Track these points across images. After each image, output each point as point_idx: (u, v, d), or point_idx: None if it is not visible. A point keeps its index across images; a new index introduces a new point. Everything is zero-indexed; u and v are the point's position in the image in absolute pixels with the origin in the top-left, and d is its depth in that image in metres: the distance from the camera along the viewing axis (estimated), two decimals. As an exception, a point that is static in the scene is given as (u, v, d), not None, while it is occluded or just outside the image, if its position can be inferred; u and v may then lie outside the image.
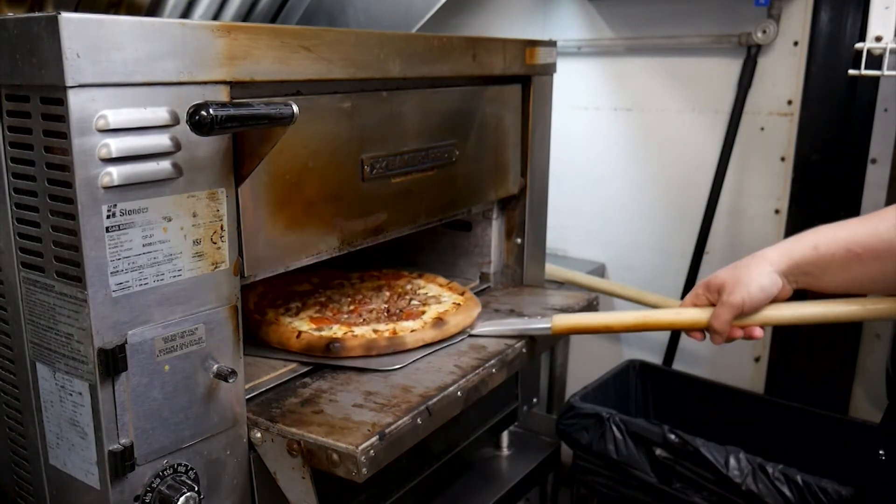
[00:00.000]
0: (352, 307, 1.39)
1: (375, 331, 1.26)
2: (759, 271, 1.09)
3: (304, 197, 1.08)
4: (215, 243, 0.94)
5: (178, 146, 0.88)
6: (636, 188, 2.28)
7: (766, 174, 2.05)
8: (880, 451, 1.15)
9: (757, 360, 2.13)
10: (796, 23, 1.93)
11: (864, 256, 1.03)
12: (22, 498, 1.03)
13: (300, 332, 1.23)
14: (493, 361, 1.21)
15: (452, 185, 1.38)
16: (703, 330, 1.18)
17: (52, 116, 0.80)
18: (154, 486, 0.92)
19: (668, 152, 2.21)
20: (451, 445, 1.40)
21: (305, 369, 1.19)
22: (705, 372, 2.13)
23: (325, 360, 1.20)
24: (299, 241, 1.09)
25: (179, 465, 0.95)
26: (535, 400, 1.65)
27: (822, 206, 1.93)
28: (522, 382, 1.58)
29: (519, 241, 1.61)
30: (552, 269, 2.08)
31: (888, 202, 1.84)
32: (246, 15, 1.95)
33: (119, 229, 0.84)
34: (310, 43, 1.02)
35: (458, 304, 1.39)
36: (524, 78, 1.52)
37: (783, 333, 2.05)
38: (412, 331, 1.26)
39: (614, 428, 1.65)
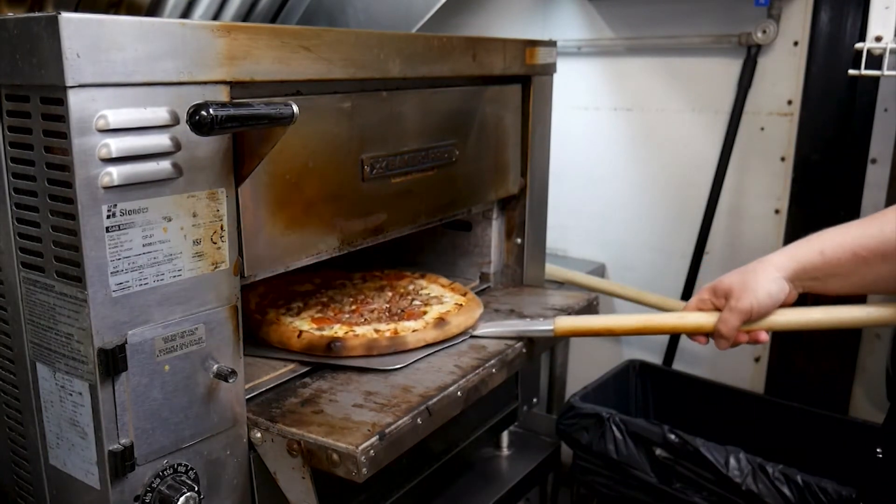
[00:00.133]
0: (353, 307, 1.39)
1: (377, 330, 1.26)
2: (767, 277, 1.09)
3: (304, 197, 1.08)
4: (215, 243, 0.94)
5: (178, 146, 0.88)
6: (636, 188, 2.28)
7: (766, 174, 2.05)
8: (878, 450, 1.16)
9: (757, 360, 2.13)
10: (796, 23, 1.93)
11: (870, 259, 1.03)
12: (22, 498, 1.03)
13: (301, 332, 1.23)
14: (493, 361, 1.21)
15: (452, 185, 1.38)
16: (707, 335, 1.18)
17: (52, 116, 0.80)
18: (154, 486, 0.92)
19: (668, 152, 2.21)
20: (451, 445, 1.40)
21: (305, 369, 1.19)
22: (705, 372, 2.13)
23: (325, 359, 1.20)
24: (299, 241, 1.09)
25: (179, 465, 0.95)
26: (535, 400, 1.65)
27: (822, 206, 1.93)
28: (522, 382, 1.58)
29: (519, 241, 1.61)
30: (552, 269, 2.08)
31: (888, 202, 1.84)
32: (246, 15, 1.95)
33: (119, 229, 0.84)
34: (310, 43, 1.02)
35: (460, 305, 1.39)
36: (524, 78, 1.52)
37: (783, 334, 2.05)
38: (413, 331, 1.26)
39: (614, 428, 1.65)
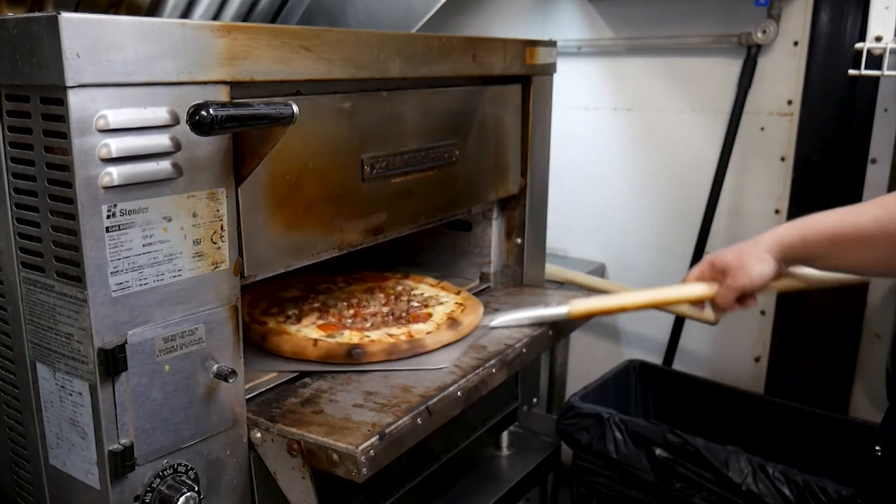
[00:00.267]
0: (351, 311, 1.38)
1: (390, 335, 1.26)
2: (759, 258, 1.21)
3: (304, 197, 1.08)
4: (215, 243, 0.94)
5: (178, 146, 0.88)
6: (636, 188, 2.28)
7: (766, 174, 2.05)
8: (876, 447, 1.17)
9: (757, 360, 2.13)
10: (796, 23, 1.93)
11: (846, 246, 1.13)
12: (22, 498, 1.03)
13: (316, 341, 1.21)
14: (493, 361, 1.21)
15: (452, 185, 1.38)
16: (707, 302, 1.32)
17: (52, 116, 0.80)
18: (154, 486, 0.92)
19: (668, 152, 2.21)
20: (451, 445, 1.40)
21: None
22: (705, 372, 2.13)
23: (346, 366, 1.18)
24: (299, 241, 1.09)
25: (179, 465, 0.95)
26: (535, 400, 1.65)
27: (822, 206, 1.89)
28: (522, 382, 1.58)
29: (519, 241, 1.61)
30: (552, 269, 2.08)
31: (888, 202, 1.84)
32: (246, 15, 1.95)
33: (119, 229, 0.84)
34: (310, 43, 1.02)
35: (460, 304, 1.39)
36: (524, 78, 1.52)
37: (783, 333, 2.05)
38: (428, 333, 1.26)
39: (614, 428, 1.65)
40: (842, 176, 1.91)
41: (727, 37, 2.00)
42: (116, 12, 1.73)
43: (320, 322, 1.33)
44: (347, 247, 1.18)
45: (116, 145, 0.82)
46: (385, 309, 1.39)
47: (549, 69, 1.57)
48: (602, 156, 2.32)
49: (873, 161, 1.88)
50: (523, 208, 1.59)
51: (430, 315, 1.36)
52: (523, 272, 1.62)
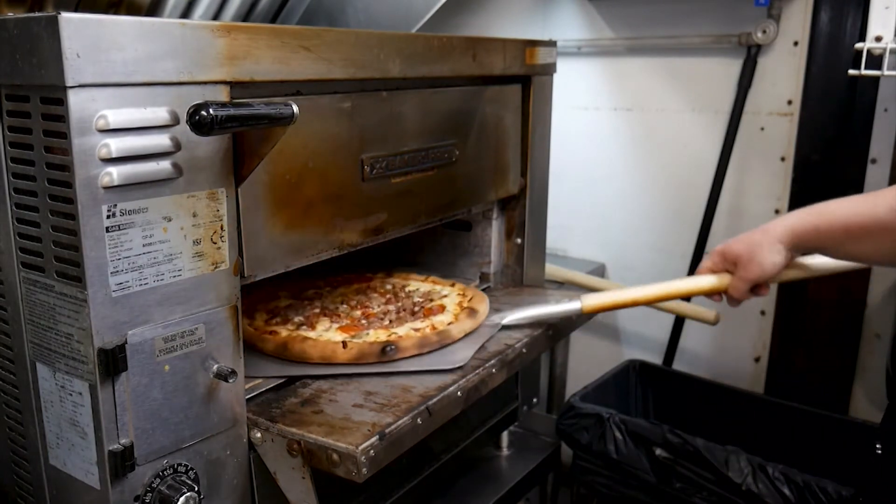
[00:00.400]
0: (359, 311, 1.38)
1: (416, 329, 1.26)
2: (771, 248, 1.20)
3: (304, 197, 1.08)
4: (215, 243, 0.94)
5: (178, 146, 0.88)
6: (636, 188, 2.28)
7: (766, 174, 2.05)
8: (877, 446, 1.17)
9: (757, 360, 2.13)
10: (796, 23, 1.93)
11: (859, 235, 1.11)
12: (22, 498, 1.03)
13: (345, 343, 1.19)
14: (493, 361, 1.21)
15: (452, 185, 1.38)
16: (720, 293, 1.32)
17: (52, 116, 0.80)
18: (154, 486, 0.92)
19: (667, 152, 2.21)
20: (451, 445, 1.40)
21: (305, 369, 1.19)
22: (705, 372, 2.13)
23: (379, 366, 1.17)
24: (299, 241, 1.09)
25: (179, 465, 0.95)
26: (535, 400, 1.65)
27: (823, 206, 1.93)
28: (522, 382, 1.58)
29: (519, 241, 1.61)
30: (552, 269, 2.08)
31: (888, 202, 1.84)
32: (246, 15, 1.95)
33: (119, 229, 0.84)
34: (310, 43, 1.02)
35: (463, 294, 1.42)
36: (524, 78, 1.52)
37: (783, 333, 2.05)
38: (449, 323, 1.28)
39: (614, 428, 1.65)
40: (842, 176, 1.91)
41: (727, 37, 2.00)
42: (116, 12, 1.73)
43: (337, 325, 1.32)
44: (347, 247, 1.18)
45: (116, 145, 0.82)
46: (391, 307, 1.40)
47: (549, 69, 1.57)
48: (602, 156, 2.32)
49: (873, 161, 1.88)
50: (523, 208, 1.59)
51: (443, 307, 1.37)
52: (523, 272, 1.62)
